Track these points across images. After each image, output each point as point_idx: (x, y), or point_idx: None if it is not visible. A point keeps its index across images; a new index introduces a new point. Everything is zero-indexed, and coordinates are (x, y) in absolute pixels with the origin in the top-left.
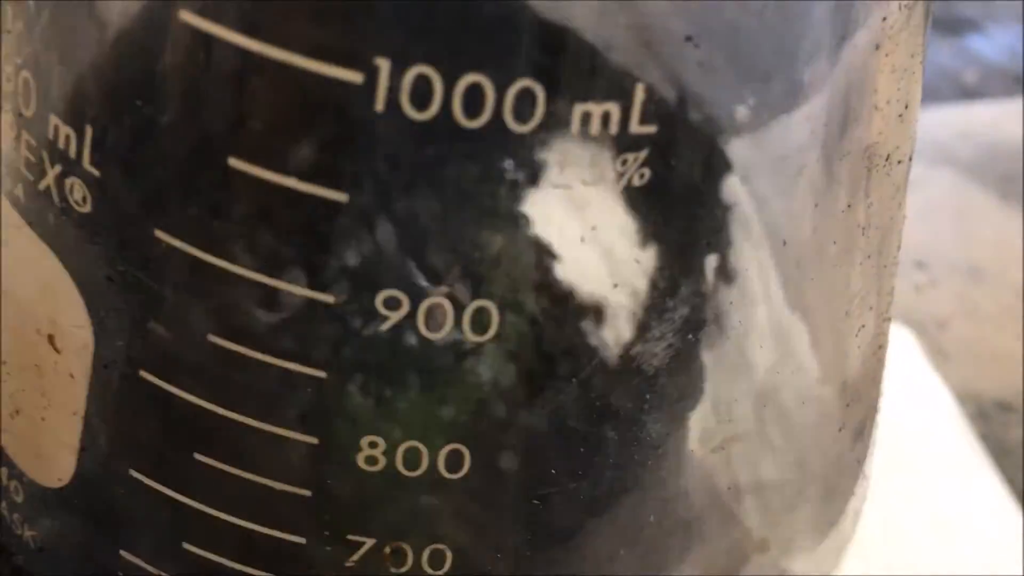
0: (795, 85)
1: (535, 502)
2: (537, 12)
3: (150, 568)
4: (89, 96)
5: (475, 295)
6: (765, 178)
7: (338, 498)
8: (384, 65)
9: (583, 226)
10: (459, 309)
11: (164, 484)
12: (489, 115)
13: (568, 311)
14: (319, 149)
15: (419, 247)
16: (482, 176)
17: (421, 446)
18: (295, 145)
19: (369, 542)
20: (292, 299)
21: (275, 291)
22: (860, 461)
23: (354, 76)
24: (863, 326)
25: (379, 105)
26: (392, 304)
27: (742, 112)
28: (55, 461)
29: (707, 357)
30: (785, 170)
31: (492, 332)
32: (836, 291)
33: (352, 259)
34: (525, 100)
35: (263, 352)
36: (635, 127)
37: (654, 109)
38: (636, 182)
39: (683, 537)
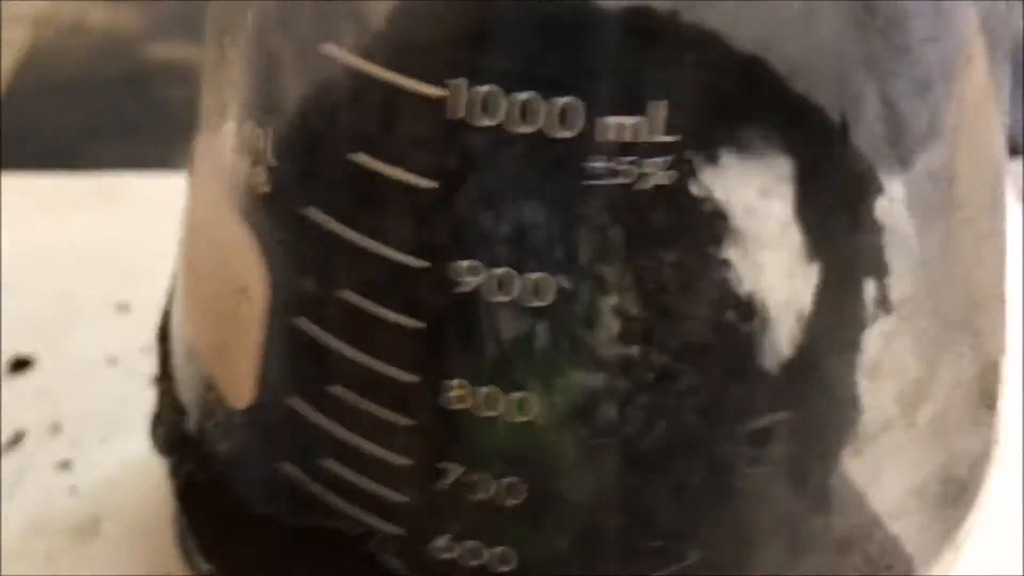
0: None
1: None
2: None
3: (304, 479)
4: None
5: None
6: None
7: (433, 429)
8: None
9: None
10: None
11: (314, 410)
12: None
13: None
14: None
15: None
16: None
17: (497, 391)
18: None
19: (459, 469)
20: (395, 265)
21: (385, 258)
22: None
23: None
24: None
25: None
26: (470, 272)
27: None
28: (243, 387)
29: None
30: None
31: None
32: None
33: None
34: None
35: (379, 305)
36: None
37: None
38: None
39: None
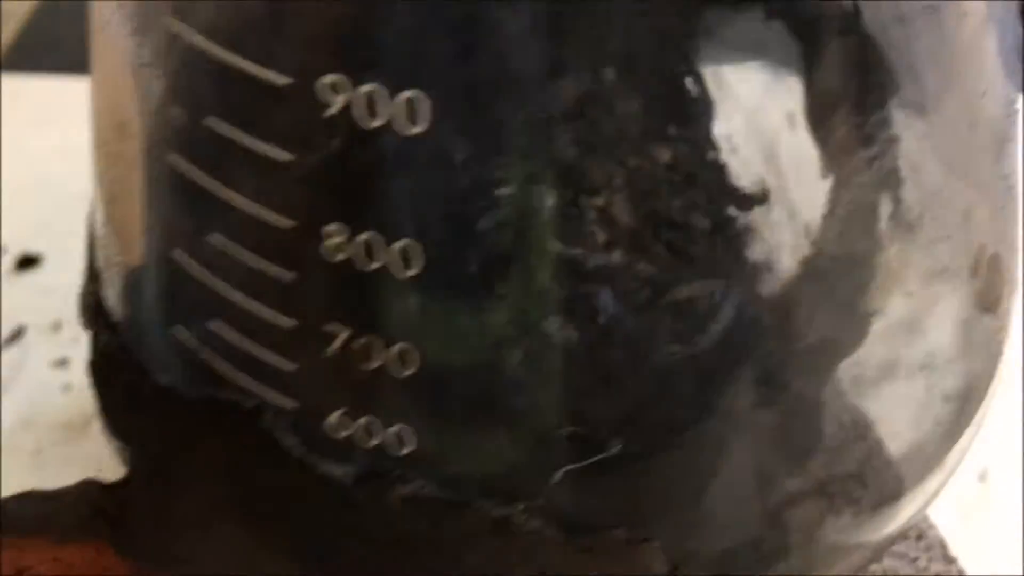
0: None
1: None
2: None
3: (193, 344)
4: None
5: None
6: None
7: (313, 284)
8: None
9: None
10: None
11: (196, 262)
12: None
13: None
14: None
15: None
16: None
17: (377, 238)
18: None
19: (345, 332)
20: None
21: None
22: None
23: None
24: None
25: None
26: (334, 90)
27: None
28: (134, 242)
29: None
30: None
31: None
32: None
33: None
34: None
35: (241, 131)
36: None
37: None
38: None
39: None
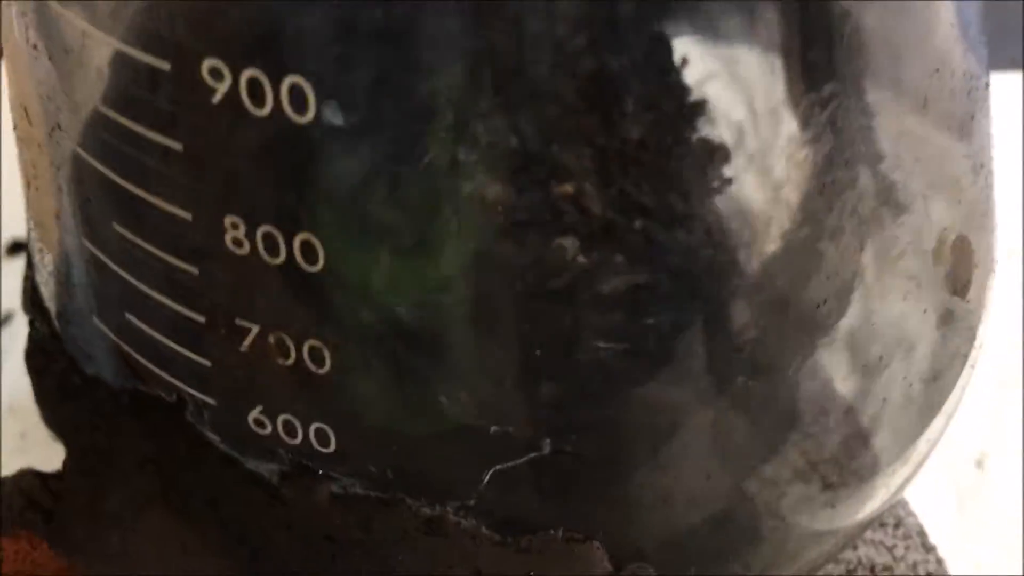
0: None
1: (398, 308)
2: None
3: (112, 335)
4: None
5: None
6: None
7: (220, 278)
8: None
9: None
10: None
11: (104, 254)
12: None
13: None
14: None
15: None
16: None
17: (276, 231)
18: None
19: (254, 328)
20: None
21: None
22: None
23: None
24: None
25: None
26: (216, 75)
27: None
28: (51, 230)
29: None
30: None
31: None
32: None
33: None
34: None
35: (132, 121)
36: None
37: None
38: None
39: None
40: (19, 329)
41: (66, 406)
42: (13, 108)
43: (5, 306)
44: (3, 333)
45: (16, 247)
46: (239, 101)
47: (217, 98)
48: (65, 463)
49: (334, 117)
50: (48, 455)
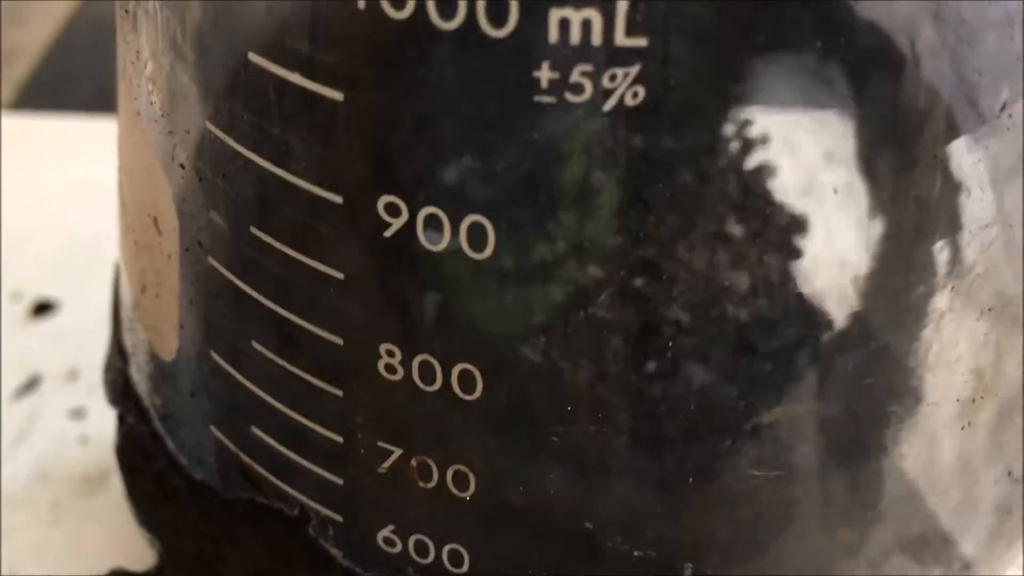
0: None
1: (554, 438)
2: None
3: (231, 446)
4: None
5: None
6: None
7: (364, 402)
8: None
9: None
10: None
11: (234, 367)
12: None
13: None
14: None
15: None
16: None
17: (433, 360)
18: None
19: (397, 451)
20: (310, 197)
21: (297, 188)
22: None
23: None
24: None
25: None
26: (392, 211)
27: None
28: (167, 336)
29: None
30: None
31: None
32: None
33: (358, 165)
34: None
35: (290, 247)
36: None
37: None
38: None
39: None
40: (47, 394)
41: (166, 508)
42: (132, 217)
43: (33, 369)
44: (31, 398)
45: (42, 308)
46: (413, 235)
47: (390, 232)
48: (160, 565)
49: (509, 256)
50: (81, 528)
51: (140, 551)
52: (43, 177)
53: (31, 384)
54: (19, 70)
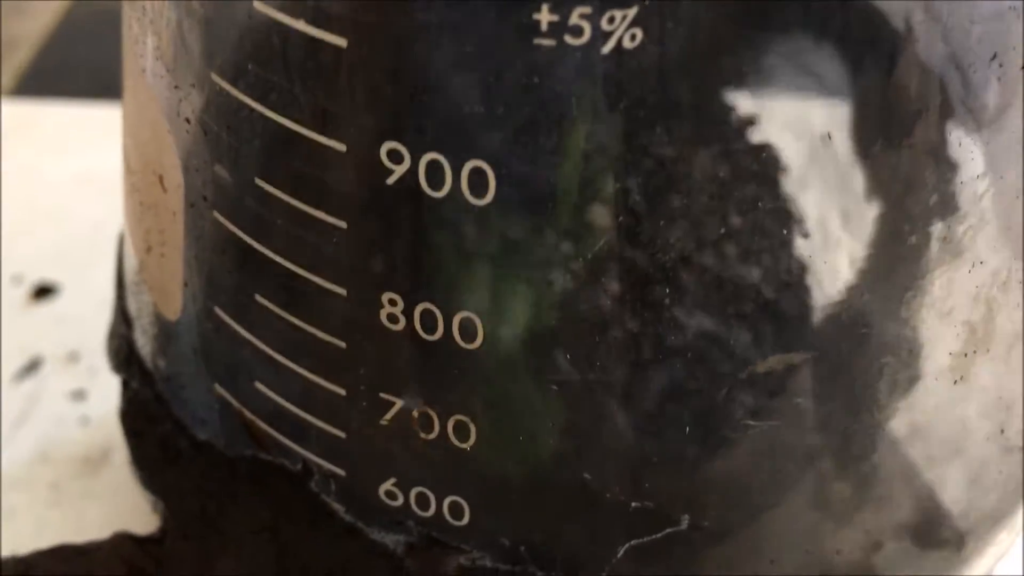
0: None
1: (553, 386)
2: None
3: (235, 403)
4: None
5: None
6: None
7: (368, 352)
8: None
9: None
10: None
11: (239, 323)
12: None
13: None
14: None
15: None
16: None
17: (435, 308)
18: None
19: (398, 403)
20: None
21: (299, 138)
22: None
23: None
24: None
25: None
26: (395, 157)
27: None
28: (172, 295)
29: None
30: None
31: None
32: None
33: (362, 112)
34: None
35: (294, 197)
36: None
37: None
38: None
39: None
40: (48, 376)
41: (170, 470)
42: (136, 177)
43: (33, 351)
44: (32, 380)
45: (42, 291)
46: (416, 183)
47: (392, 179)
48: (164, 527)
49: (512, 199)
50: (81, 508)
51: (140, 529)
52: (43, 163)
53: (32, 366)
54: (20, 58)
